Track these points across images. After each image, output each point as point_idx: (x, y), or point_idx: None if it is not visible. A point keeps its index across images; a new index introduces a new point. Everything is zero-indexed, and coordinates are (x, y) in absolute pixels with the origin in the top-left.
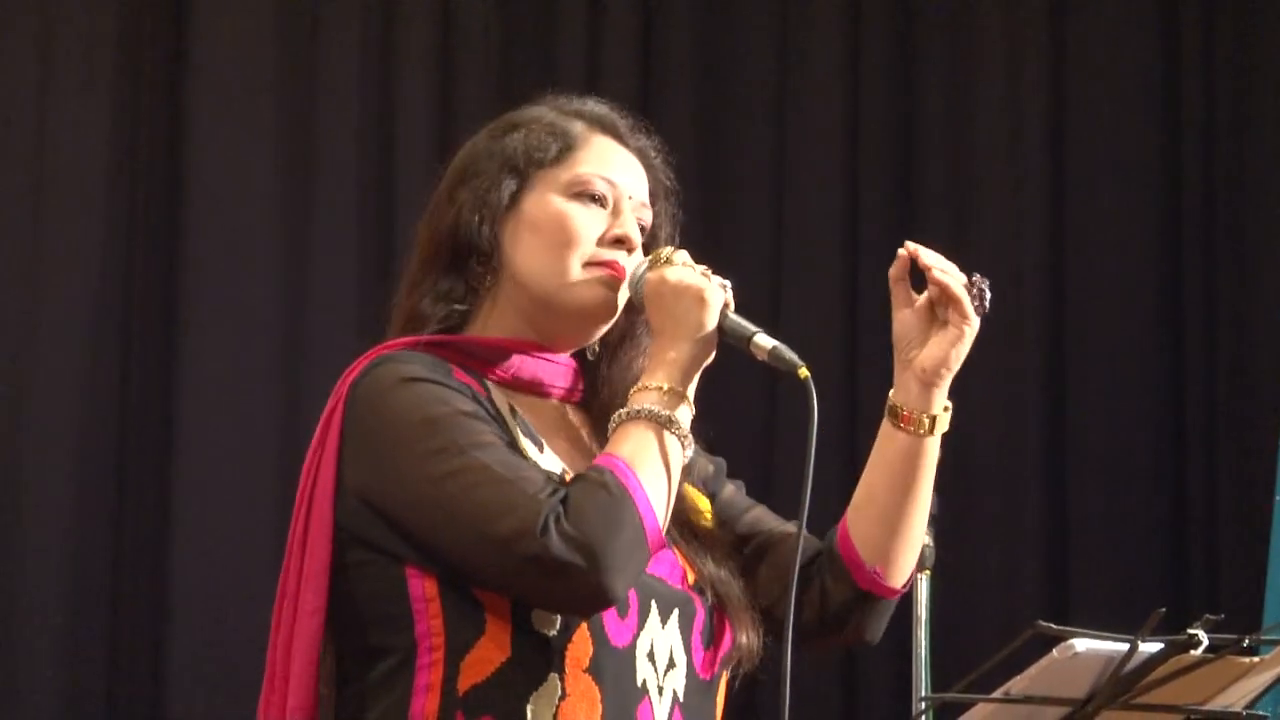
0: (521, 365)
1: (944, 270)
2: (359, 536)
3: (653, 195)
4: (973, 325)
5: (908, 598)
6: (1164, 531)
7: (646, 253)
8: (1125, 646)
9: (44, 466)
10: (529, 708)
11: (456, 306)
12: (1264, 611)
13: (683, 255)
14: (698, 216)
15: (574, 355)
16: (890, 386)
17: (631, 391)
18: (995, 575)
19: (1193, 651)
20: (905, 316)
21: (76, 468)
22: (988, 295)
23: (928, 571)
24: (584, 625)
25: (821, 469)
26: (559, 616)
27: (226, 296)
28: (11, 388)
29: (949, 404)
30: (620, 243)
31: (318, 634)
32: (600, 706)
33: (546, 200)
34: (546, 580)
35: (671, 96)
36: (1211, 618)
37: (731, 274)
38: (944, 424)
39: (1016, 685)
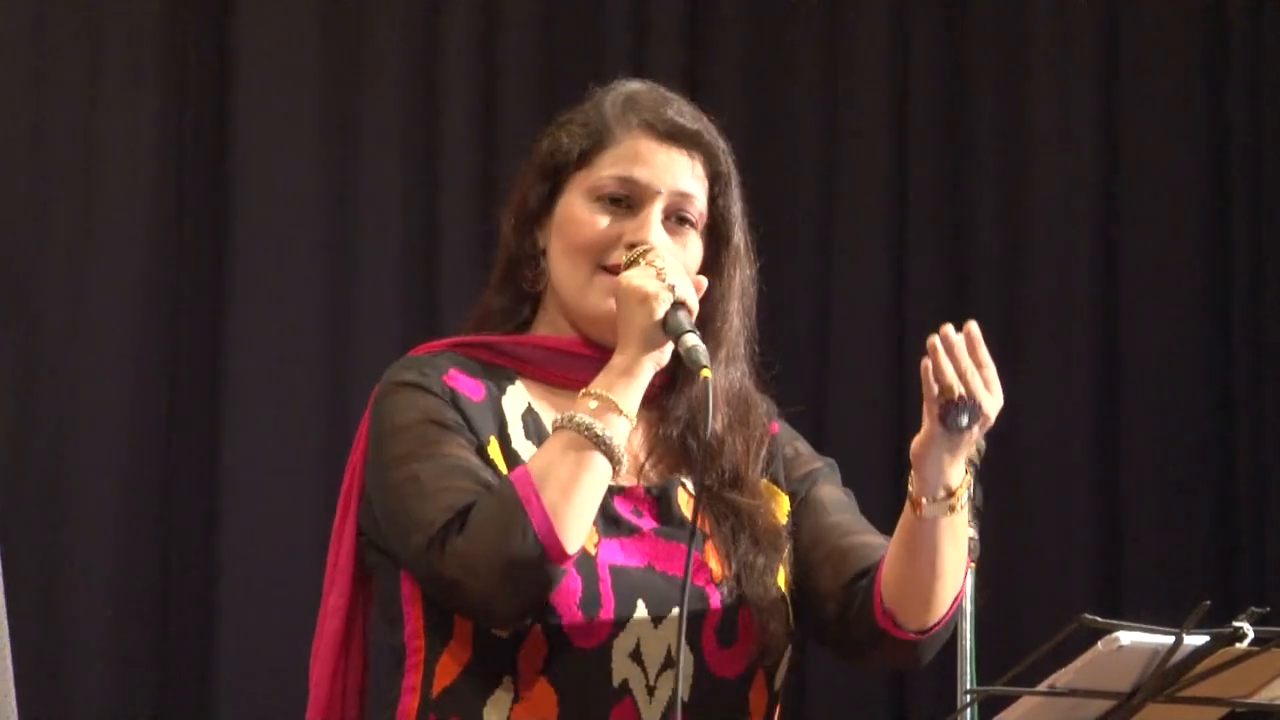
0: (570, 365)
1: (936, 370)
2: (372, 539)
3: (711, 181)
4: (932, 434)
5: None
6: (1212, 524)
7: (711, 238)
8: (1170, 640)
9: (92, 463)
10: (485, 710)
11: (514, 311)
12: None
13: (656, 253)
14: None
15: None
16: None
17: (579, 395)
18: (1043, 568)
19: (1238, 644)
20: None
21: (125, 461)
22: (957, 421)
23: (973, 564)
24: (537, 628)
25: (868, 451)
26: None
27: (272, 288)
28: (60, 381)
29: (954, 488)
30: (633, 247)
31: (338, 634)
32: (557, 710)
33: (570, 204)
34: (445, 594)
35: (718, 91)
36: (1257, 610)
37: (781, 262)
38: (934, 510)
39: (1061, 678)
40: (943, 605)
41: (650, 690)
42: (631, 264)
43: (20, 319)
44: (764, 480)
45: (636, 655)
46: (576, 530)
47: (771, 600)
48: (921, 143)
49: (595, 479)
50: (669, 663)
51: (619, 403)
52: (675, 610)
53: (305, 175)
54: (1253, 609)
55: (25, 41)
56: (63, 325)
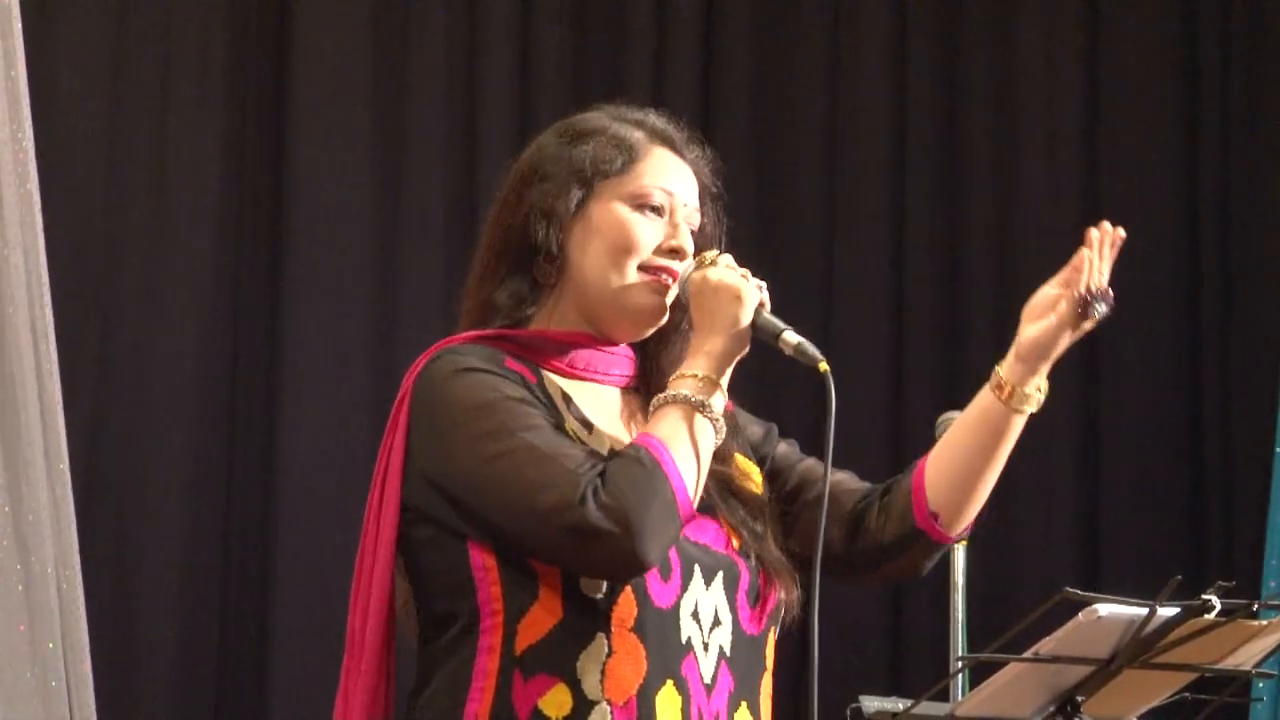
0: (576, 356)
1: (1085, 265)
2: (426, 514)
3: (701, 199)
4: (1065, 323)
5: (946, 566)
6: (1184, 506)
7: (698, 251)
8: (1145, 611)
9: (160, 466)
10: (578, 665)
11: (526, 302)
12: (1263, 573)
13: (727, 258)
14: (753, 219)
15: (633, 344)
16: (928, 374)
17: (671, 378)
18: (1030, 547)
19: (1206, 615)
20: (1045, 290)
21: (190, 463)
22: (1097, 309)
23: (964, 541)
24: (628, 589)
25: (869, 434)
26: (604, 582)
27: (325, 292)
28: (130, 377)
29: (1043, 387)
30: (675, 253)
31: (385, 607)
32: (645, 663)
33: (610, 209)
34: (586, 548)
35: (728, 115)
36: (1224, 584)
37: (783, 274)
38: (1025, 402)
39: (1045, 646)
40: (977, 506)
41: (706, 645)
42: (707, 264)
43: (95, 316)
44: (737, 454)
45: (695, 614)
46: (698, 492)
47: (781, 563)
48: (920, 158)
49: (708, 445)
50: (716, 621)
51: (718, 380)
52: (720, 575)
53: (355, 183)
54: (1220, 583)
55: (103, 70)
56: (133, 323)
